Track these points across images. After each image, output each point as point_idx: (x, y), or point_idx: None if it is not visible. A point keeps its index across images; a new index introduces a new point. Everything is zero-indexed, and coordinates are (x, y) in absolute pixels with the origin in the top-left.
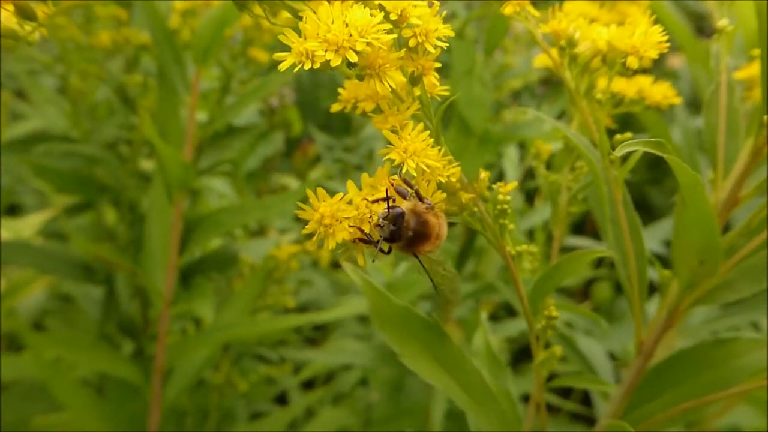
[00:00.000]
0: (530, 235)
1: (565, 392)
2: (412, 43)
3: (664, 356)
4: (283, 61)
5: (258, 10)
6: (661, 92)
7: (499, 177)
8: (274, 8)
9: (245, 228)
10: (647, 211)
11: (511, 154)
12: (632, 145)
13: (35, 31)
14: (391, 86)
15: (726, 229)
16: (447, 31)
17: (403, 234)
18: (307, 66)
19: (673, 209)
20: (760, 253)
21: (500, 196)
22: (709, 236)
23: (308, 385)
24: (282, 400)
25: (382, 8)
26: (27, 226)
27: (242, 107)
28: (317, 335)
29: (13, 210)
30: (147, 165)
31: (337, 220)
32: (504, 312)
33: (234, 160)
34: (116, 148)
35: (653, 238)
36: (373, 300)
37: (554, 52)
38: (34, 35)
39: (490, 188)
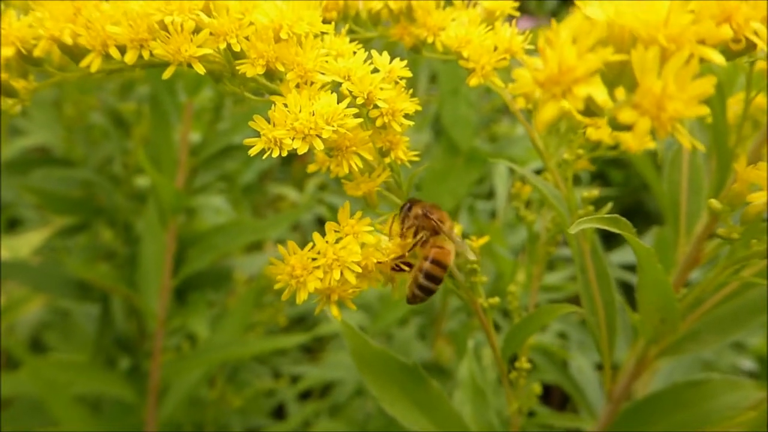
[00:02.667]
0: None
1: (562, 404)
2: (379, 123)
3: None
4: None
5: (231, 86)
6: None
7: (490, 191)
8: (246, 84)
9: None
10: (643, 218)
11: (500, 168)
12: (588, 221)
13: (17, 104)
14: (358, 165)
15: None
16: (414, 106)
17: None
18: (275, 154)
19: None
20: (725, 305)
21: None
22: (666, 299)
23: (305, 394)
24: (279, 411)
25: (349, 92)
26: (25, 244)
27: (235, 133)
28: (314, 344)
29: (13, 224)
30: (142, 181)
31: (307, 271)
32: (499, 316)
33: (230, 176)
34: (110, 169)
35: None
36: (353, 343)
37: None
38: (16, 108)
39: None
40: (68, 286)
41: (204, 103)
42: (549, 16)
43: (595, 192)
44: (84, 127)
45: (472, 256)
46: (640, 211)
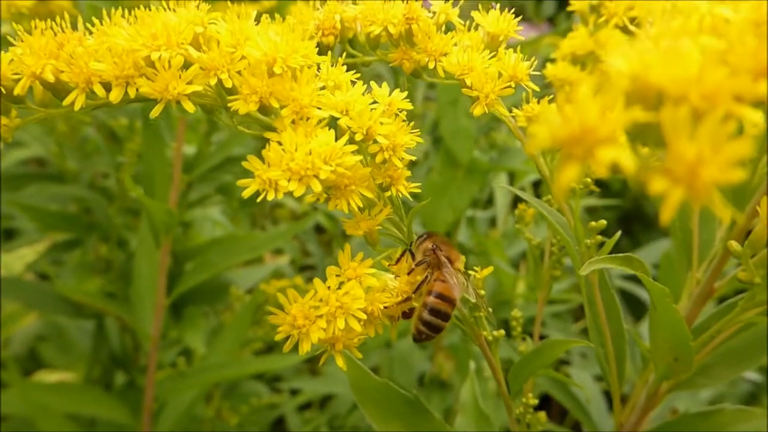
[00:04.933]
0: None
1: (562, 415)
2: (379, 159)
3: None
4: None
5: (224, 120)
6: None
7: (488, 198)
8: (236, 117)
9: None
10: (643, 222)
11: (501, 178)
12: (601, 261)
13: None
14: (358, 204)
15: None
16: (416, 139)
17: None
18: (270, 196)
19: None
20: (736, 338)
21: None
22: (680, 338)
23: (305, 405)
24: (279, 422)
25: (348, 127)
26: (17, 260)
27: (232, 145)
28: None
29: (11, 235)
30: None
31: (309, 320)
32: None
33: (227, 187)
34: (104, 183)
35: (649, 257)
36: (353, 375)
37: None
38: None
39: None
40: (61, 304)
41: (199, 114)
42: (547, 22)
43: (603, 222)
44: (77, 141)
45: (473, 299)
46: (639, 216)
